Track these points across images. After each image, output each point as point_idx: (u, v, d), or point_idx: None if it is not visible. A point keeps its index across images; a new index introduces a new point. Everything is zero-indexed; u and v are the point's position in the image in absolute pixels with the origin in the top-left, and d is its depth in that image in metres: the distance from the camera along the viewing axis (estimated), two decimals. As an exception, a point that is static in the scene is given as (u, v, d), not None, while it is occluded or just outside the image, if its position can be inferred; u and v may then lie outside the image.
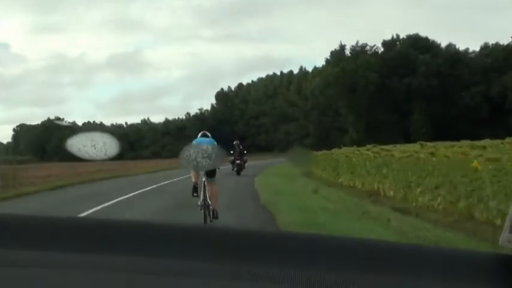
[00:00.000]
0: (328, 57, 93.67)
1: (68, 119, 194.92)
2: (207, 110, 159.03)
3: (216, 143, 10.89)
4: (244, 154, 33.45)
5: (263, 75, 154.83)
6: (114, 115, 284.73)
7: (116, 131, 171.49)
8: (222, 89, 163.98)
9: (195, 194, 10.81)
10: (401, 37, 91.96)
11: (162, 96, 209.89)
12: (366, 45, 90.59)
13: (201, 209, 10.47)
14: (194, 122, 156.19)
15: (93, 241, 1.32)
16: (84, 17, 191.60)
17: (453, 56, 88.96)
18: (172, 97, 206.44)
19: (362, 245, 1.33)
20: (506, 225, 1.19)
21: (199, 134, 11.38)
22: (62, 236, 1.35)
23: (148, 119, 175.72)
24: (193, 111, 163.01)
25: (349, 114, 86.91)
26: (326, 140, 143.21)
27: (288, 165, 36.60)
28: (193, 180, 10.87)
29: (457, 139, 23.97)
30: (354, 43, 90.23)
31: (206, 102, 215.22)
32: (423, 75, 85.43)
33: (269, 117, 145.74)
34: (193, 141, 10.87)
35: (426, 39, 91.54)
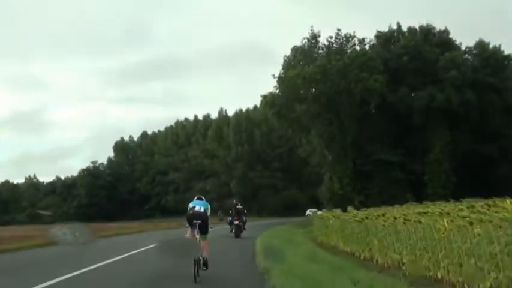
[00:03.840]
0: (288, 56, 49.77)
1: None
2: (102, 164, 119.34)
3: (208, 206, 11.23)
4: (244, 214, 27.62)
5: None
6: (13, 177, 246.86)
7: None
8: (121, 138, 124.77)
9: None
10: (403, 29, 52.62)
11: (66, 156, 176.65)
12: (353, 37, 48.71)
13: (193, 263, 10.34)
14: (86, 178, 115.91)
15: None
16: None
17: (492, 57, 49.51)
18: (76, 158, 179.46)
19: None
20: None
21: (195, 198, 11.62)
22: None
23: (34, 176, 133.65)
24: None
25: (328, 150, 47.00)
26: (253, 201, 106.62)
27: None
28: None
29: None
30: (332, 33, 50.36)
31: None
32: (453, 86, 45.63)
33: (180, 172, 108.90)
34: (190, 204, 11.30)
35: (445, 32, 51.62)
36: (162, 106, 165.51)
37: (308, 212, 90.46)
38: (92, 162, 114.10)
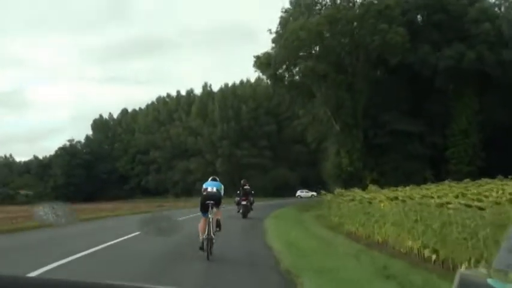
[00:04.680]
0: (286, 9, 39.89)
1: None
2: (79, 142, 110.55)
3: (222, 186, 11.25)
4: (252, 194, 27.11)
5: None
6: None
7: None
8: (100, 115, 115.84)
9: (201, 252, 10.43)
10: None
11: (46, 137, 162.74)
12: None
13: (203, 242, 10.37)
14: (62, 157, 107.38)
15: None
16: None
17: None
18: (57, 138, 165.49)
19: None
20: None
21: (210, 178, 11.64)
22: None
23: (10, 155, 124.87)
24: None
25: (335, 119, 37.83)
26: (240, 181, 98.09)
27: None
28: (200, 237, 10.63)
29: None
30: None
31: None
32: (486, 42, 36.79)
33: (162, 151, 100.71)
34: (203, 185, 11.35)
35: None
36: (145, 85, 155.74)
37: (299, 192, 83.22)
38: (69, 141, 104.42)
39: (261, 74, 39.86)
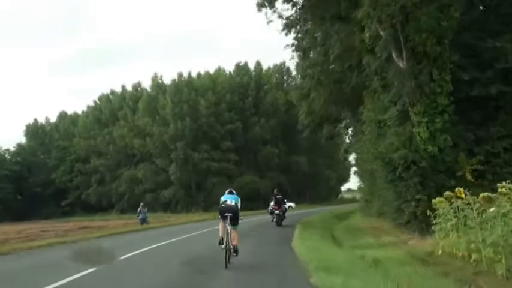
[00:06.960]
0: None
1: None
2: (8, 150, 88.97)
3: (239, 199, 11.03)
4: (284, 203, 26.71)
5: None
6: None
7: None
8: (35, 120, 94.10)
9: (221, 246, 10.67)
10: None
11: None
12: None
13: (223, 249, 10.47)
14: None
15: None
16: None
17: None
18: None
19: None
20: None
21: (227, 191, 11.46)
22: None
23: None
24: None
25: (396, 45, 15.62)
26: (199, 191, 76.39)
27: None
28: (220, 234, 10.88)
29: None
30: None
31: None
32: None
33: (104, 158, 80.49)
34: (222, 198, 11.12)
35: None
36: (88, 89, 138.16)
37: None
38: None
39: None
